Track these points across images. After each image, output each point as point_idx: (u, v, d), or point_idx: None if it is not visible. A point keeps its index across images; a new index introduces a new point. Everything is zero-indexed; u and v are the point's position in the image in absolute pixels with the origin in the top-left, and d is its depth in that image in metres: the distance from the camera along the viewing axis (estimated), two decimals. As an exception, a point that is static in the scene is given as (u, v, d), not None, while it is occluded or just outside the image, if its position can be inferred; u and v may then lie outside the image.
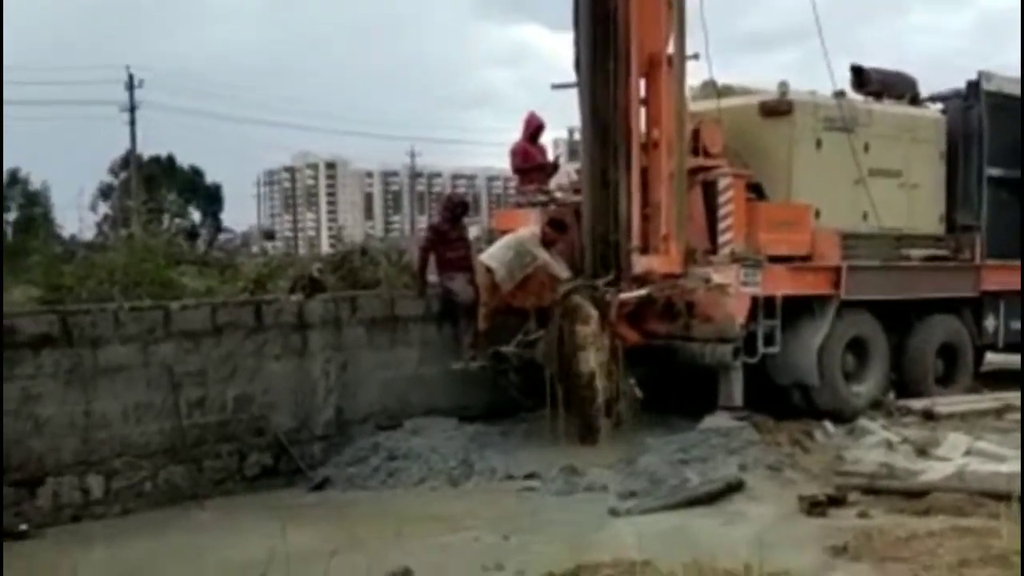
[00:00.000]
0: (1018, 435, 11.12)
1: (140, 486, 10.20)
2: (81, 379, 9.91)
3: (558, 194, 13.27)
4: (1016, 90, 14.50)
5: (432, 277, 12.80)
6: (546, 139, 14.28)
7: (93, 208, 54.81)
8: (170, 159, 59.67)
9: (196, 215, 59.49)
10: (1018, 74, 14.68)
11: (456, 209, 13.51)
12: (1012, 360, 15.92)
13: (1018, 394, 13.11)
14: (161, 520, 9.83)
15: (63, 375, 9.82)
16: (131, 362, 10.24)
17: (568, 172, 13.96)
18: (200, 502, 10.28)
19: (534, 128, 13.82)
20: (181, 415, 10.45)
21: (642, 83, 12.13)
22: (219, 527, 9.63)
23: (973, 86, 14.24)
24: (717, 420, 11.33)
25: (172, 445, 10.40)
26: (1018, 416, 12.25)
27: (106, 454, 10.03)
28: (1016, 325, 14.53)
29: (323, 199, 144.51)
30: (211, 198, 64.15)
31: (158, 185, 51.59)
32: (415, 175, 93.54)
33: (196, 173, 63.25)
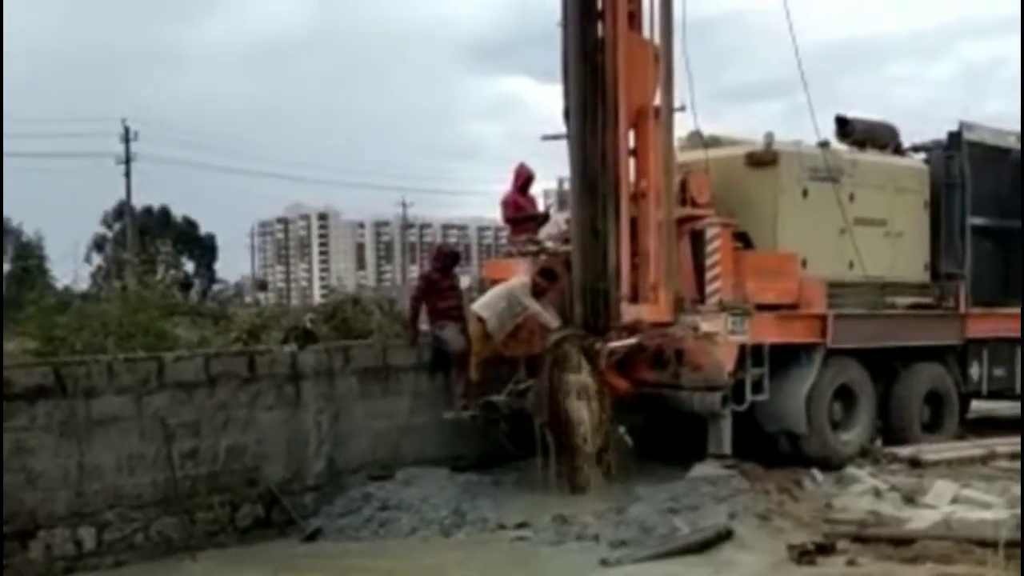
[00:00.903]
0: (1004, 483, 11.23)
1: (132, 538, 10.20)
2: (75, 430, 9.95)
3: (548, 244, 13.41)
4: (997, 140, 14.73)
5: (424, 326, 12.90)
6: (536, 189, 14.44)
7: (87, 259, 54.93)
8: (164, 211, 59.86)
9: (190, 266, 59.53)
10: (999, 125, 14.94)
11: (447, 259, 13.63)
12: (997, 407, 16.06)
13: (1004, 441, 13.22)
14: (153, 572, 9.87)
15: (57, 427, 9.85)
16: (125, 413, 10.28)
17: (558, 222, 14.08)
18: (192, 554, 10.30)
19: (524, 179, 13.97)
20: (174, 466, 10.48)
21: (631, 134, 12.33)
22: (212, 579, 9.66)
23: (955, 136, 14.40)
24: (706, 468, 11.40)
25: (165, 496, 10.43)
26: (1004, 464, 12.37)
27: (99, 506, 10.04)
28: (1000, 372, 14.63)
29: (315, 249, 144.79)
30: (205, 249, 64.28)
31: (152, 236, 51.66)
32: (406, 225, 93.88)
33: (190, 224, 63.42)
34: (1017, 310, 14.62)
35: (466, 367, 12.38)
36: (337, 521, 11.03)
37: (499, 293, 12.43)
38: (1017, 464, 12.18)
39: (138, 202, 53.26)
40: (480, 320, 12.28)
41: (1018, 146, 14.96)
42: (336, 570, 9.78)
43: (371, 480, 11.64)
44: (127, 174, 49.80)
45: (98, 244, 58.75)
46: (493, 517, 10.76)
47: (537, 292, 12.23)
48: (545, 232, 14.02)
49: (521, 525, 10.51)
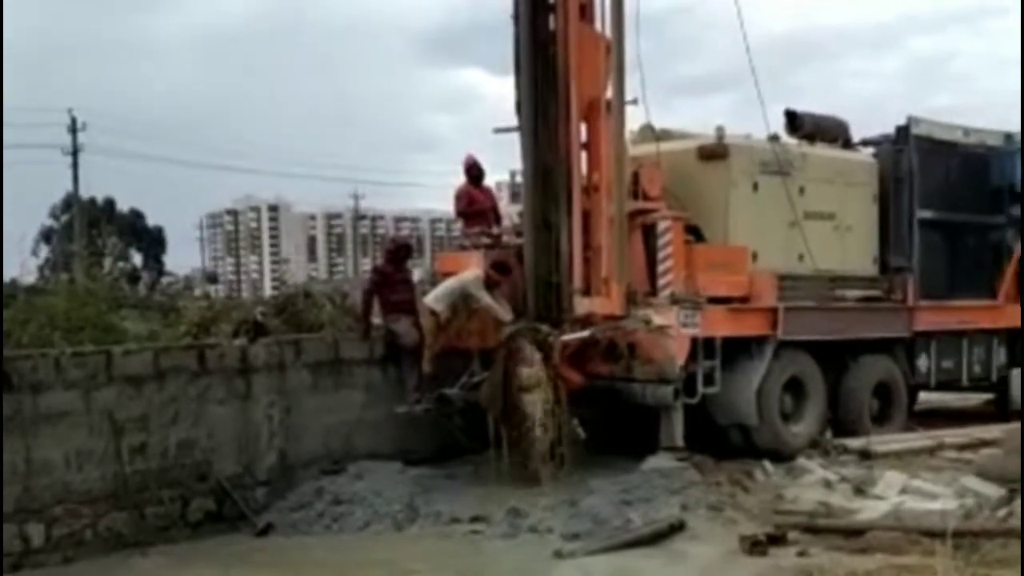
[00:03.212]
0: (951, 473, 11.39)
1: (81, 534, 10.10)
2: (21, 426, 9.82)
3: (504, 237, 13.40)
4: (945, 134, 14.91)
5: (376, 320, 12.85)
6: (489, 182, 14.40)
7: (35, 252, 54.11)
8: (109, 202, 59.05)
9: (138, 258, 58.86)
10: (949, 119, 15.12)
11: (399, 252, 13.59)
12: (945, 399, 16.29)
13: (952, 432, 13.42)
14: (103, 568, 9.76)
15: (3, 422, 9.71)
16: (73, 408, 10.17)
17: (510, 215, 14.07)
18: (143, 549, 10.21)
19: (468, 168, 13.94)
20: (123, 461, 10.38)
21: (582, 127, 12.33)
22: (162, 574, 9.58)
23: (903, 130, 14.54)
24: (659, 461, 11.47)
25: (114, 492, 10.33)
26: (951, 455, 12.54)
27: (47, 501, 9.93)
28: (948, 364, 14.81)
29: (266, 242, 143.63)
30: (153, 241, 63.54)
31: (99, 228, 50.98)
32: (358, 218, 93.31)
33: (137, 215, 62.66)
34: (963, 303, 14.85)
35: (419, 360, 12.35)
36: (289, 515, 10.97)
37: (450, 286, 12.41)
38: (965, 455, 12.38)
39: (86, 194, 52.39)
40: (433, 313, 12.26)
41: (965, 140, 15.14)
42: (289, 565, 9.73)
43: (323, 474, 11.60)
44: (74, 165, 49.09)
45: (46, 236, 57.90)
46: (447, 511, 10.75)
47: (489, 285, 12.22)
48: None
49: (475, 519, 10.50)
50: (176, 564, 9.85)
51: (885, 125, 14.92)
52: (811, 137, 14.25)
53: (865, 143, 15.01)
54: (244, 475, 11.26)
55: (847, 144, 14.76)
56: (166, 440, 10.77)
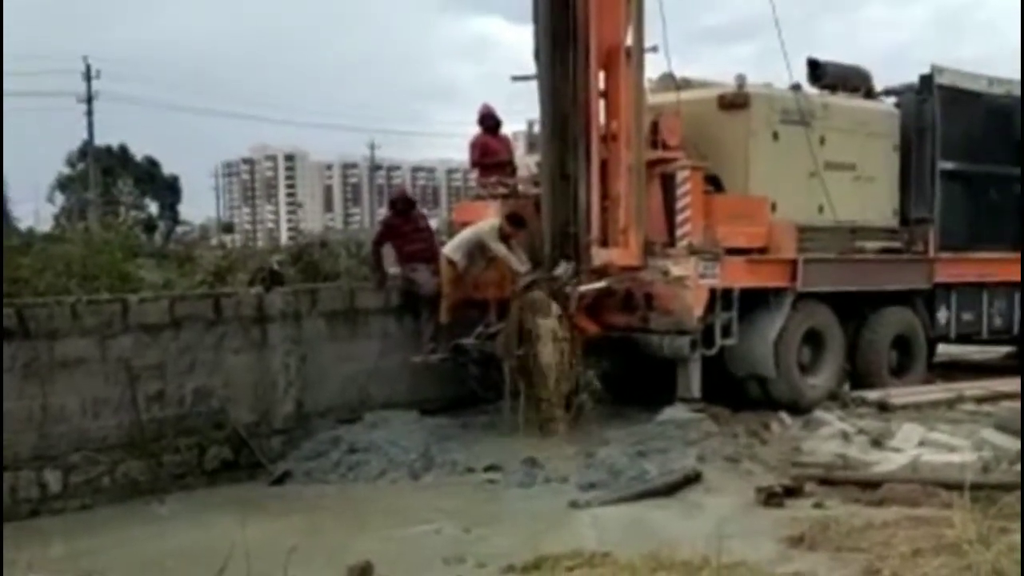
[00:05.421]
0: (970, 426, 11.32)
1: (98, 481, 10.15)
2: (38, 373, 9.85)
3: (519, 187, 13.31)
4: (969, 84, 14.69)
5: (394, 269, 12.82)
6: (506, 131, 14.29)
7: (51, 200, 54.26)
8: (123, 149, 58.93)
9: (153, 207, 58.92)
10: (975, 68, 14.89)
11: (398, 203, 13.59)
12: (964, 351, 16.18)
13: (971, 385, 13.34)
14: (120, 515, 9.79)
15: (20, 369, 9.75)
16: (89, 355, 10.18)
17: (528, 164, 13.97)
18: (159, 496, 10.26)
19: (483, 117, 13.82)
20: (139, 409, 10.41)
21: (601, 75, 12.17)
22: (179, 521, 9.61)
23: (926, 80, 14.33)
24: (675, 412, 11.44)
25: (131, 439, 10.36)
26: (970, 407, 12.46)
27: (64, 448, 9.97)
28: (968, 316, 14.71)
29: (282, 191, 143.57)
30: (168, 190, 63.52)
31: (115, 177, 51.03)
32: (374, 168, 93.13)
33: (152, 164, 62.59)
34: (985, 255, 14.70)
35: (436, 310, 12.34)
36: (305, 464, 11.00)
37: (467, 236, 12.37)
38: (984, 408, 12.31)
39: (101, 142, 52.44)
40: (451, 263, 12.23)
41: (990, 90, 14.92)
42: (304, 512, 9.75)
43: (339, 423, 11.62)
44: (89, 113, 48.99)
45: (62, 184, 58.01)
46: (462, 460, 10.76)
47: (504, 237, 12.15)
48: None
49: (490, 468, 10.50)
50: (193, 511, 9.87)
51: (909, 75, 14.72)
52: (833, 87, 14.06)
53: (887, 93, 14.80)
54: (260, 423, 11.28)
55: (869, 94, 14.55)
56: (182, 388, 10.78)
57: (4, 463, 9.62)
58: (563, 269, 11.64)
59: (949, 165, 14.42)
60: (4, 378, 9.65)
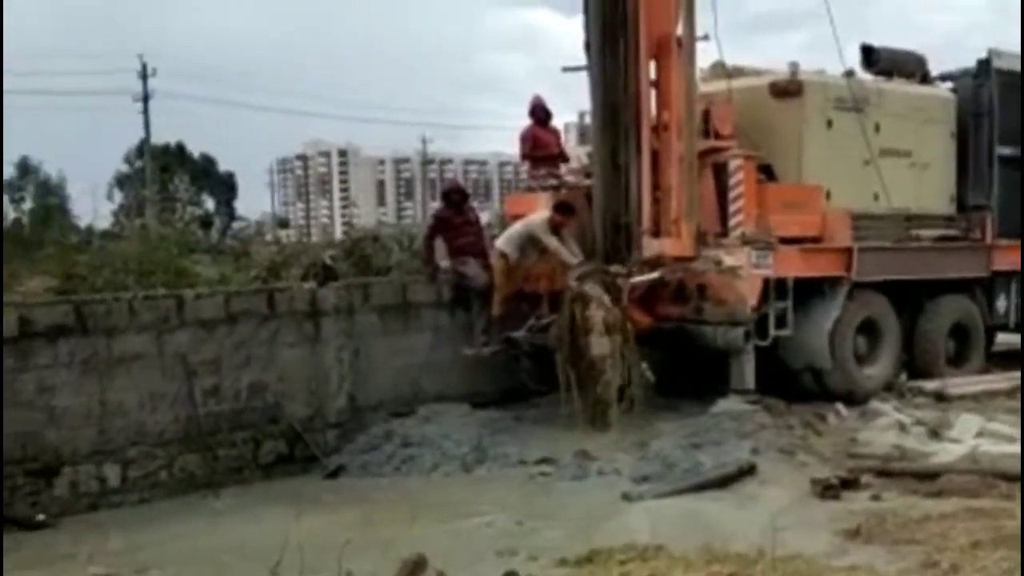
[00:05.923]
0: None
1: (156, 475, 10.28)
2: (96, 369, 10.00)
3: (569, 178, 13.28)
4: (1027, 68, 14.43)
5: (445, 263, 12.85)
6: (556, 123, 14.27)
7: (109, 197, 55.06)
8: (180, 147, 59.61)
9: (210, 203, 59.59)
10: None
11: (451, 196, 13.57)
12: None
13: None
14: (177, 508, 9.91)
15: (78, 365, 9.90)
16: (146, 351, 10.31)
17: (579, 156, 13.93)
18: (215, 490, 10.37)
19: (533, 109, 13.79)
20: (196, 403, 10.52)
21: (652, 65, 12.09)
22: (234, 515, 9.70)
23: (983, 64, 14.12)
24: (729, 404, 11.34)
25: (187, 434, 10.48)
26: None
27: (122, 443, 10.12)
28: (1029, 305, 14.48)
29: (336, 186, 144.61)
30: (224, 186, 64.22)
31: (172, 174, 51.66)
32: (427, 162, 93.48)
33: (208, 161, 63.27)
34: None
35: (488, 303, 12.35)
36: (359, 457, 11.07)
37: (518, 230, 12.36)
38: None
39: (158, 140, 53.03)
40: (503, 256, 12.23)
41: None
42: (358, 506, 9.79)
43: (392, 417, 11.67)
44: (145, 111, 49.51)
45: (120, 182, 58.82)
46: (514, 453, 10.77)
47: (555, 226, 12.11)
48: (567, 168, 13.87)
49: (543, 461, 10.50)
50: (248, 505, 9.96)
51: (966, 60, 14.52)
52: (888, 73, 13.86)
53: (943, 78, 14.59)
54: (314, 418, 11.36)
55: (925, 79, 14.34)
56: (238, 383, 10.88)
57: (63, 459, 9.77)
58: (615, 269, 11.59)
59: (1007, 151, 14.18)
60: (63, 374, 9.80)
